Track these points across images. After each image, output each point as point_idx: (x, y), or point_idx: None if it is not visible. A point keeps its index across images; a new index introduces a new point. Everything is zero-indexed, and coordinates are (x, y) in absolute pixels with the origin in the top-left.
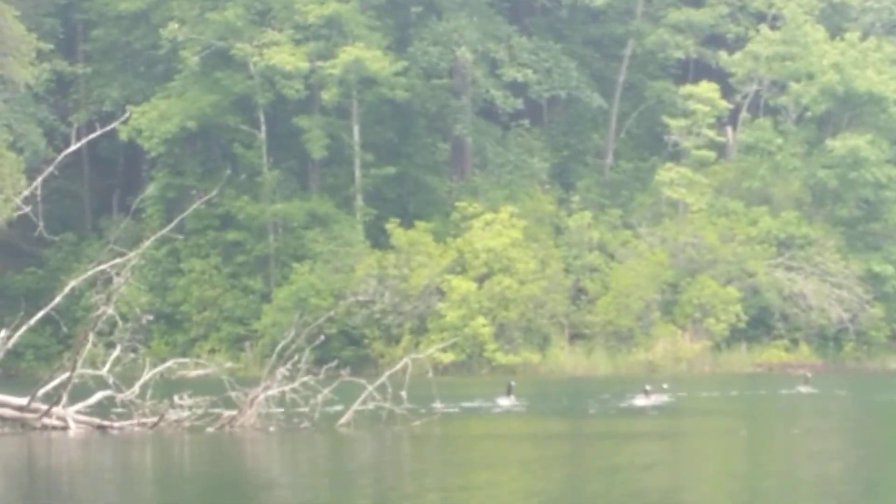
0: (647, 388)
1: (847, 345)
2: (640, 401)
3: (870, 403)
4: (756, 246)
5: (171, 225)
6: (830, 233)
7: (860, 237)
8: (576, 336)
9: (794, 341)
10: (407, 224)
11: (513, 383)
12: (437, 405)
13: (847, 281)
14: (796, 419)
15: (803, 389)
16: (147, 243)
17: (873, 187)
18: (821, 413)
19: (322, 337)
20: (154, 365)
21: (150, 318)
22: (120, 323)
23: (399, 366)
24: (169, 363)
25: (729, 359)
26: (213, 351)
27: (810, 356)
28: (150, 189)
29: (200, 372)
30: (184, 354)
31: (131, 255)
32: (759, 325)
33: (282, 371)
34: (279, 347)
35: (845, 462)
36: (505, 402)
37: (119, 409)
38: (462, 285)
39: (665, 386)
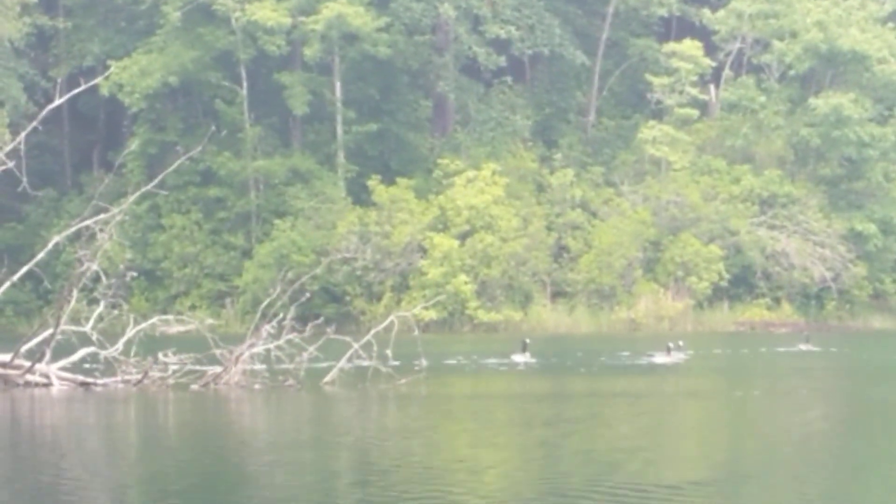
0: (670, 345)
1: (829, 304)
2: (659, 358)
3: (876, 362)
4: (739, 204)
5: (156, 181)
6: (813, 191)
7: (843, 196)
8: (557, 294)
9: (777, 300)
10: (389, 181)
11: (527, 340)
12: (423, 363)
13: (829, 240)
14: (808, 378)
15: (804, 347)
16: (132, 199)
17: (856, 146)
18: (830, 372)
19: (307, 294)
20: (137, 322)
21: (135, 274)
22: (104, 279)
23: (385, 323)
24: (153, 320)
25: (711, 317)
26: (193, 307)
27: (792, 315)
28: (132, 145)
29: (182, 328)
30: (164, 311)
31: (115, 210)
32: (741, 283)
33: (267, 328)
34: (264, 304)
35: (867, 420)
36: (520, 358)
37: (102, 366)
38: (444, 243)
39: (681, 343)
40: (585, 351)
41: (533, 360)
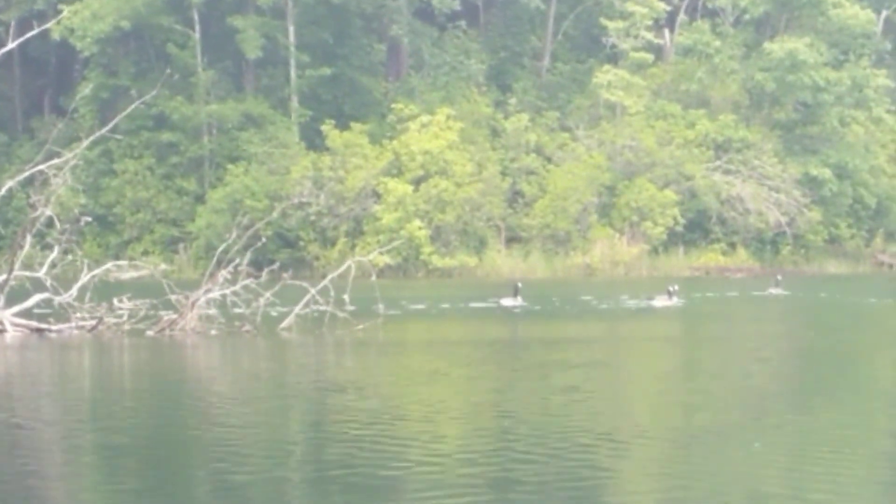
0: (670, 288)
1: (784, 248)
2: (659, 302)
3: (853, 305)
4: (694, 149)
5: (109, 126)
6: (768, 136)
7: (798, 140)
8: (512, 239)
9: (732, 245)
10: (342, 126)
11: (519, 284)
12: (381, 308)
13: (784, 184)
14: (796, 319)
15: (774, 291)
16: (85, 143)
17: (811, 90)
18: (813, 314)
19: (263, 240)
20: (90, 267)
21: (89, 219)
22: (57, 224)
23: (342, 269)
24: (107, 265)
25: (666, 262)
26: (146, 253)
27: (747, 260)
28: (84, 89)
29: (135, 274)
30: (117, 256)
31: (69, 155)
32: (696, 228)
33: (223, 273)
34: (220, 249)
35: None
36: (511, 302)
37: (57, 312)
38: (398, 188)
39: (676, 287)
40: (571, 295)
41: (525, 304)
